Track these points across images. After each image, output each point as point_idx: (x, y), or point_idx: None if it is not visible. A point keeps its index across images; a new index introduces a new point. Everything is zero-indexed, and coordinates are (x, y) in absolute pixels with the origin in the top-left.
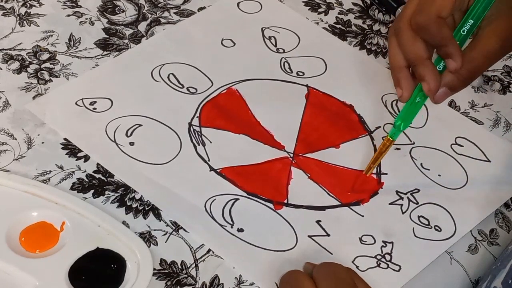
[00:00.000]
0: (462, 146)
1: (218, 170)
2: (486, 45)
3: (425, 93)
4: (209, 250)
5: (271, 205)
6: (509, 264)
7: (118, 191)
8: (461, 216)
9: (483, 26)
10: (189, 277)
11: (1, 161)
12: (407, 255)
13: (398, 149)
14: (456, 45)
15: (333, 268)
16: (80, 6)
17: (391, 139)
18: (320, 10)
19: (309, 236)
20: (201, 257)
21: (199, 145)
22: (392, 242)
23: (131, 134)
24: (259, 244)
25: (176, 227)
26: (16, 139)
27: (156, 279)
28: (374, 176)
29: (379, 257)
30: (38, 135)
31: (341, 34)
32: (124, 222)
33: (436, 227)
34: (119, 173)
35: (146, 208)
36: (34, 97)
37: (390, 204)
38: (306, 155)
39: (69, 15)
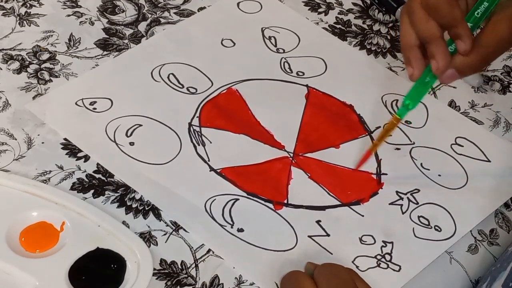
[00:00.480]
0: (462, 146)
1: (218, 170)
2: (496, 31)
3: (433, 71)
4: (209, 250)
5: (271, 205)
6: (509, 267)
7: (118, 191)
8: (461, 216)
9: (496, 11)
10: (189, 277)
11: (1, 161)
12: (407, 255)
13: (398, 149)
14: (466, 26)
15: (334, 269)
16: (80, 6)
17: (398, 117)
18: (320, 10)
19: (309, 236)
20: (201, 257)
21: (199, 145)
22: (392, 242)
23: (131, 134)
24: (259, 244)
25: (176, 227)
26: (16, 139)
27: (156, 279)
28: (374, 176)
29: (379, 257)
30: (38, 135)
31: (341, 34)
32: (124, 222)
33: (436, 227)
34: (119, 173)
35: (146, 208)
36: (34, 97)
37: (390, 204)
38: (306, 155)
39: (69, 15)
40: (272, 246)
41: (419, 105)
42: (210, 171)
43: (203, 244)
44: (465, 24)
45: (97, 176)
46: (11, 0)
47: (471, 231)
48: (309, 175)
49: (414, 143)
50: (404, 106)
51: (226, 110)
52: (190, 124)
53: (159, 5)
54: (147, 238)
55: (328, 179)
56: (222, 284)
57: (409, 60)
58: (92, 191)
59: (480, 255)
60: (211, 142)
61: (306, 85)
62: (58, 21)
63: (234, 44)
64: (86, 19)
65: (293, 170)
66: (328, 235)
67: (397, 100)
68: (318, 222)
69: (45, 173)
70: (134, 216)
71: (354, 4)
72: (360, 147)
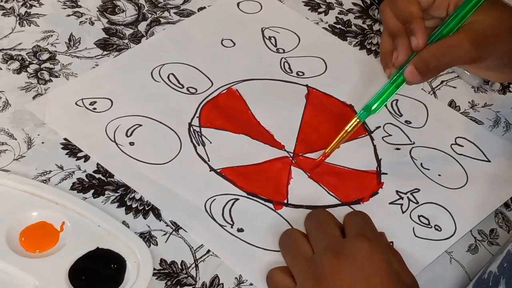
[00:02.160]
0: (462, 146)
1: (218, 170)
2: (458, 37)
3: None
4: (209, 250)
5: (271, 205)
6: (506, 249)
7: (118, 191)
8: (461, 216)
9: (466, 23)
10: (189, 277)
11: (1, 161)
12: (407, 254)
13: (398, 149)
14: (421, 23)
15: (321, 220)
16: (80, 6)
17: (359, 119)
18: (320, 10)
19: None
20: (201, 257)
21: (199, 145)
22: (392, 242)
23: (131, 134)
24: (259, 244)
25: (176, 227)
26: (16, 139)
27: (156, 279)
28: (374, 176)
29: None
30: (38, 135)
31: (341, 34)
32: (124, 222)
33: (436, 227)
34: (119, 173)
35: (146, 208)
36: (34, 97)
37: (390, 203)
38: (306, 155)
39: (69, 15)
40: (272, 246)
41: (419, 105)
42: (210, 171)
43: (203, 244)
44: (420, 21)
45: (97, 176)
46: (11, 0)
47: (471, 231)
48: (309, 174)
49: (414, 143)
50: (365, 109)
51: (226, 110)
52: (190, 124)
53: (159, 5)
54: (147, 238)
55: (328, 178)
56: (222, 284)
57: (396, 46)
58: (92, 191)
59: (480, 255)
60: (211, 142)
61: (306, 85)
62: (58, 21)
63: (234, 44)
64: (86, 19)
65: (293, 169)
66: None
67: (397, 100)
68: None
69: (45, 173)
70: (134, 216)
71: (354, 4)
72: (360, 147)
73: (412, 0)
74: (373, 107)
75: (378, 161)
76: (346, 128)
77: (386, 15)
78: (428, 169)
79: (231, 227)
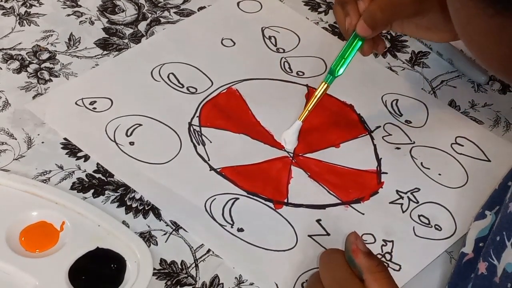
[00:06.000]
0: (462, 145)
1: (218, 170)
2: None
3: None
4: (209, 250)
5: (271, 205)
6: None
7: (118, 190)
8: (461, 215)
9: None
10: (189, 277)
11: (1, 161)
12: (407, 254)
13: (398, 148)
14: None
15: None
16: (80, 6)
17: (326, 84)
18: (320, 10)
19: (309, 236)
20: (201, 257)
21: (199, 144)
22: (392, 241)
23: (131, 134)
24: (259, 244)
25: (176, 226)
26: (16, 139)
27: (156, 279)
28: (375, 175)
29: (379, 256)
30: (38, 134)
31: (341, 34)
32: (124, 222)
33: (437, 226)
34: (119, 173)
35: (146, 208)
36: (34, 97)
37: (390, 203)
38: (306, 155)
39: (69, 15)
40: (272, 246)
41: (419, 104)
42: (210, 170)
43: (203, 243)
44: None
45: (97, 175)
46: None
47: None
48: (309, 174)
49: (414, 143)
50: (330, 73)
51: (226, 110)
52: (190, 124)
53: (159, 4)
54: (147, 237)
55: (328, 178)
56: (222, 284)
57: (348, 13)
58: (92, 190)
59: None
60: (211, 142)
61: (306, 85)
62: (58, 21)
63: (234, 43)
64: (86, 18)
65: (293, 169)
66: (328, 234)
67: (397, 100)
68: (318, 221)
69: (45, 173)
70: (134, 215)
71: None
72: (360, 147)
73: None
74: (339, 72)
75: (379, 160)
76: (316, 94)
77: None
78: (428, 169)
79: (231, 227)
